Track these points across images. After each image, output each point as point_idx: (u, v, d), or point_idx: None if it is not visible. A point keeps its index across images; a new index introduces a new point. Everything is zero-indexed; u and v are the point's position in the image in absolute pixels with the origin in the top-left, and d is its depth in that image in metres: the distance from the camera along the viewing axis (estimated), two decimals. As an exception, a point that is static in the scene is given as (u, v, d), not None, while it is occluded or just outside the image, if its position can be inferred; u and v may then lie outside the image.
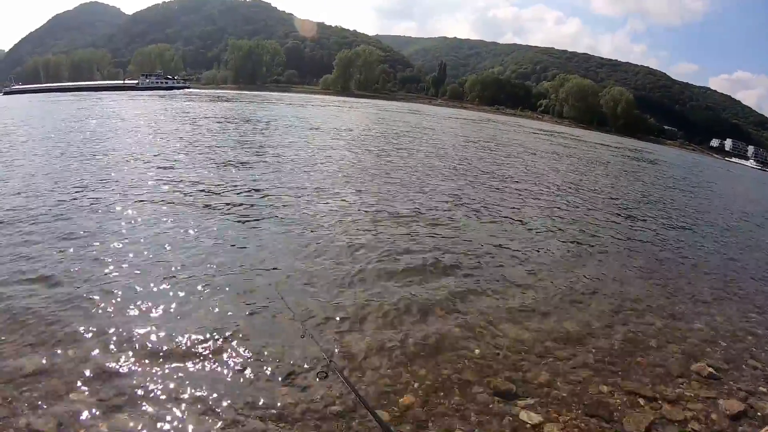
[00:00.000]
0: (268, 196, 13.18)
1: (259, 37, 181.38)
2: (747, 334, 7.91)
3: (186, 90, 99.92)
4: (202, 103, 61.37)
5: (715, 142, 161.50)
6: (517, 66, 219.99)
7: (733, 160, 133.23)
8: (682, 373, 6.32)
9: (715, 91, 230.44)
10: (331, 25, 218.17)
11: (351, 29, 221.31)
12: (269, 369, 5.38)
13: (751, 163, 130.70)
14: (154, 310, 6.40)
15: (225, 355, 5.55)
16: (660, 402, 5.56)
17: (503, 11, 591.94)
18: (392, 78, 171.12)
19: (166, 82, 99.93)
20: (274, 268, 8.13)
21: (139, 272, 7.50)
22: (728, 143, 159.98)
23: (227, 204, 11.88)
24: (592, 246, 12.11)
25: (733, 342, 7.52)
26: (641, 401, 5.50)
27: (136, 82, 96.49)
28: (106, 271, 7.49)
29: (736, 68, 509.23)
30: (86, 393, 4.77)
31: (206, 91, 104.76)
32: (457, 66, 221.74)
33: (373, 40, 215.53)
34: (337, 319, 6.59)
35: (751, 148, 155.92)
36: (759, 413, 5.65)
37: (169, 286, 7.10)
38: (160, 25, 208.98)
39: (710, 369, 6.42)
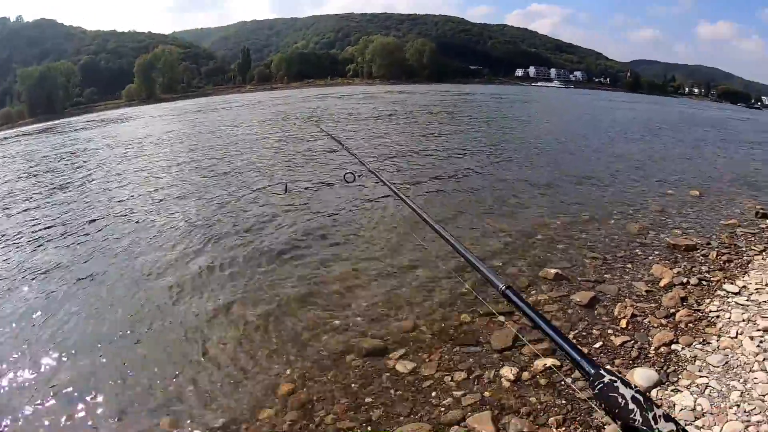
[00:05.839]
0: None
1: (49, 59, 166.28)
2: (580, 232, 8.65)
3: None
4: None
5: (519, 72, 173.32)
6: (319, 37, 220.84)
7: (539, 84, 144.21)
8: (532, 281, 6.69)
9: (513, 26, 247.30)
10: (124, 31, 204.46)
11: (146, 31, 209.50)
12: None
13: (555, 83, 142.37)
14: None
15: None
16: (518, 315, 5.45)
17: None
18: (197, 74, 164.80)
19: None
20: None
21: None
22: (531, 70, 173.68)
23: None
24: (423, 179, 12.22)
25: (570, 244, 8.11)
26: (501, 318, 5.60)
27: None
28: None
29: (530, 2, 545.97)
30: None
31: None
32: (261, 48, 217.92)
33: (170, 38, 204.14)
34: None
35: (553, 71, 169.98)
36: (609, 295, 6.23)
37: None
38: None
39: (555, 271, 6.84)
